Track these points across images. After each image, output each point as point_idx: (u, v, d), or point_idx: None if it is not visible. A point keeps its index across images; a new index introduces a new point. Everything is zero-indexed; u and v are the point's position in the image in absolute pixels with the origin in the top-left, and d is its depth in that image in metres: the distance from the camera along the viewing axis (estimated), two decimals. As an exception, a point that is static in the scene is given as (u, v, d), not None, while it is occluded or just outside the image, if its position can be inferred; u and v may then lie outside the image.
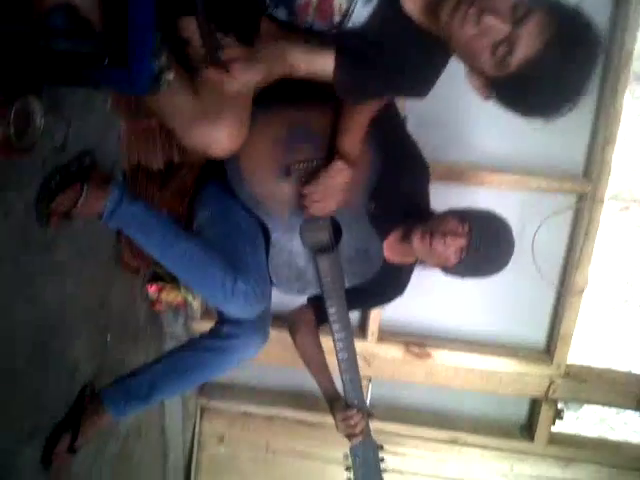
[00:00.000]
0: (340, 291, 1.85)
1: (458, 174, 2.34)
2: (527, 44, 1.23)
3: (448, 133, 2.35)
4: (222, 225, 1.82)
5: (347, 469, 1.96)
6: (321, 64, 1.53)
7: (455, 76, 2.23)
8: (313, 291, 1.88)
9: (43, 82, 1.30)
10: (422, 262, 1.94)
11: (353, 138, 1.73)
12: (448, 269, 1.81)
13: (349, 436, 1.93)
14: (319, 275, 1.83)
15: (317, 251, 1.83)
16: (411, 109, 2.15)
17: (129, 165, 1.95)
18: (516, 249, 2.35)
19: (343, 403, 1.94)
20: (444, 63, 1.56)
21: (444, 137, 2.34)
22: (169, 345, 2.54)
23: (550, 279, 2.44)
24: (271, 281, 1.84)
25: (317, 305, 2.02)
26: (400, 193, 1.88)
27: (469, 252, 1.72)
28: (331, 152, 1.77)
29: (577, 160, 2.37)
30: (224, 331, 1.85)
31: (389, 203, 1.86)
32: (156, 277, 2.25)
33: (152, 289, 2.27)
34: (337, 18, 1.46)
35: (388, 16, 1.46)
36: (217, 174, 1.88)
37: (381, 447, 1.96)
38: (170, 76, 1.09)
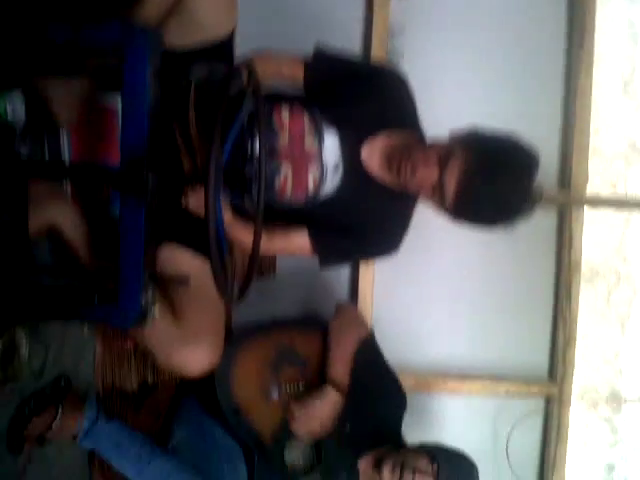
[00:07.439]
0: None
1: (426, 384, 2.37)
2: (453, 181, 1.49)
3: (414, 343, 2.42)
4: (199, 443, 1.82)
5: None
6: (298, 244, 1.75)
7: (419, 289, 2.40)
8: None
9: (31, 318, 1.36)
10: None
11: (343, 368, 1.83)
12: None
13: None
14: None
15: (299, 472, 1.83)
16: (377, 321, 2.26)
17: (103, 386, 1.96)
18: (492, 455, 2.37)
19: None
20: (411, 210, 1.77)
21: (410, 348, 2.41)
22: None
23: (528, 482, 2.42)
24: None
25: None
26: (375, 418, 1.92)
27: None
28: (319, 377, 1.86)
29: (541, 363, 2.45)
30: None
31: (363, 426, 1.89)
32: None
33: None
34: (312, 190, 1.66)
35: (354, 180, 1.68)
36: (193, 394, 1.92)
37: None
38: (155, 310, 1.16)
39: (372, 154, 1.68)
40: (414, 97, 1.76)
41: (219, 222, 0.98)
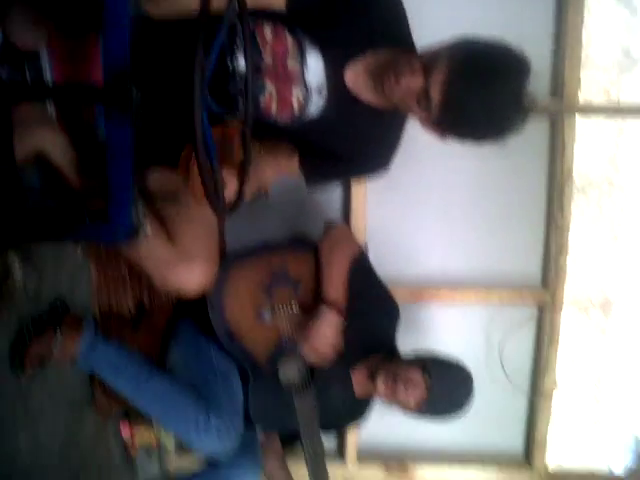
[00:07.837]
0: (315, 428, 1.86)
1: (420, 294, 2.40)
2: (438, 88, 1.44)
3: (407, 257, 2.44)
4: (195, 363, 1.86)
5: None
6: (287, 168, 1.76)
7: (412, 202, 2.40)
8: (291, 428, 1.89)
9: (22, 240, 1.35)
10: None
11: (336, 287, 1.83)
12: (408, 412, 1.86)
13: None
14: (296, 413, 1.84)
15: (294, 390, 1.86)
16: (371, 237, 2.26)
17: (100, 309, 1.99)
18: (486, 362, 2.42)
19: None
20: (399, 130, 1.77)
21: (404, 261, 2.43)
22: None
23: (520, 386, 2.48)
24: (250, 419, 1.86)
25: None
26: (368, 330, 1.94)
27: (428, 403, 1.79)
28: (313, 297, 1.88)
29: (534, 271, 2.47)
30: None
31: (357, 340, 1.91)
32: (129, 415, 2.23)
33: (125, 431, 2.23)
34: (297, 111, 1.64)
35: (339, 102, 1.67)
36: (189, 314, 1.95)
37: None
38: (147, 226, 1.16)
39: (357, 76, 1.65)
40: (404, 8, 1.70)
41: (206, 130, 0.96)
